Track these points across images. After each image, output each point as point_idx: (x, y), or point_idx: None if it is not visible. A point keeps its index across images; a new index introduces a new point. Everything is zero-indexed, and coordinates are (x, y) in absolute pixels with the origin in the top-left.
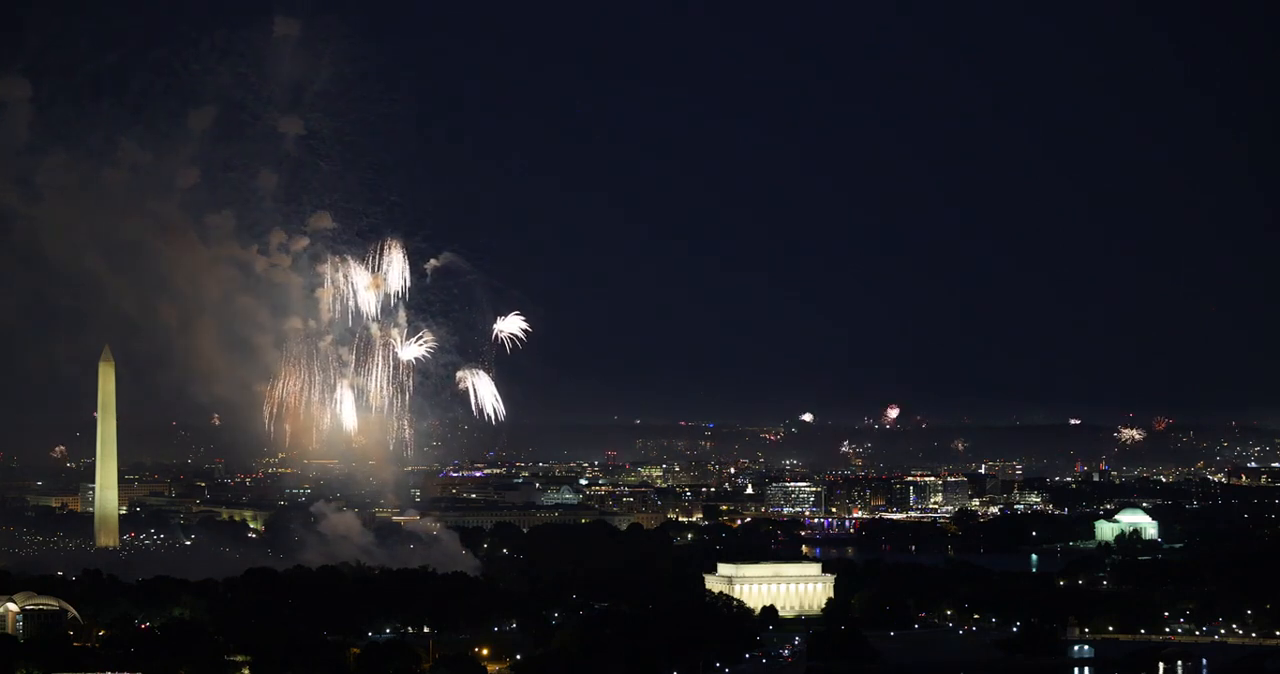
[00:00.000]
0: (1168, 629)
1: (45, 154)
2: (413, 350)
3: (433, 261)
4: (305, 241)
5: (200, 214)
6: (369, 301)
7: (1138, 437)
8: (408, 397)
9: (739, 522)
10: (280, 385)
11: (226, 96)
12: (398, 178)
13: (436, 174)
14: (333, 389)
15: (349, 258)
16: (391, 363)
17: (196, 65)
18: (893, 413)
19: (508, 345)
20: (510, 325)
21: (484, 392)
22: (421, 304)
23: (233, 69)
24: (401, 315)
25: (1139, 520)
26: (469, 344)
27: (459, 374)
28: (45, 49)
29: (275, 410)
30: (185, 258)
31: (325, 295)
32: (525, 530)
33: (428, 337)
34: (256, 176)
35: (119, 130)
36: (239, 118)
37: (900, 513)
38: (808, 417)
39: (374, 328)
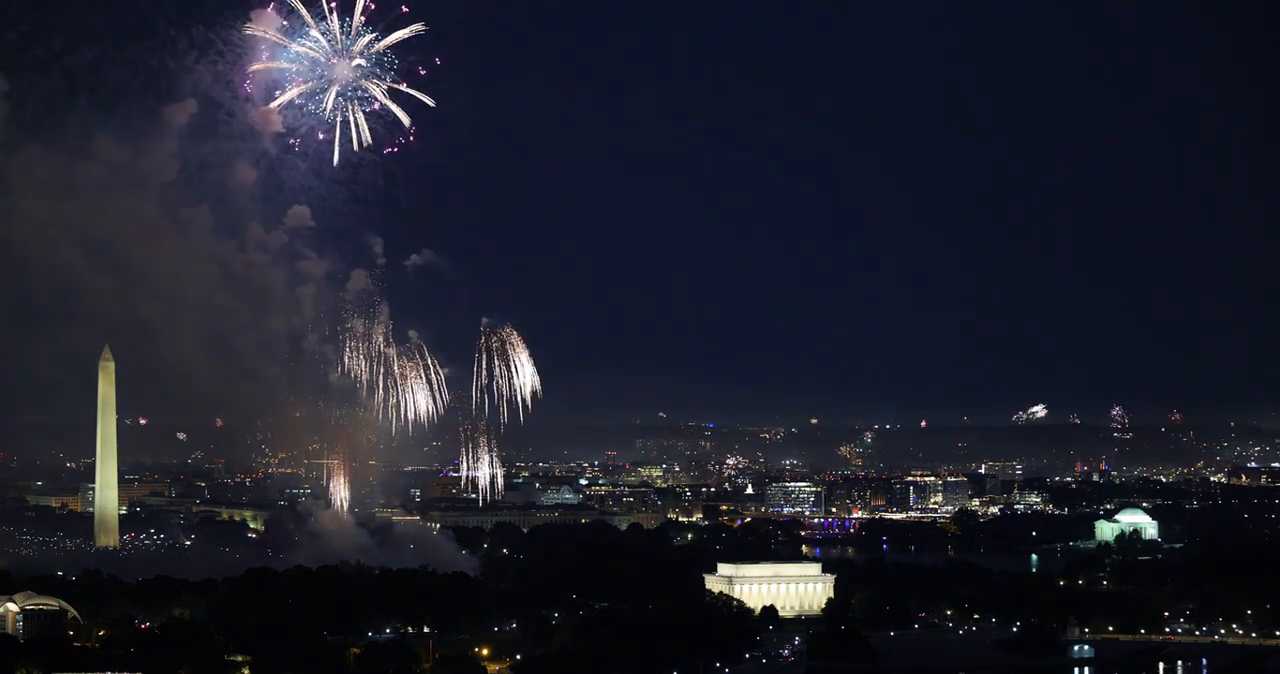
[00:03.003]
0: (1168, 629)
1: (20, 150)
2: (398, 352)
3: (414, 258)
4: (284, 238)
5: (177, 210)
6: (351, 299)
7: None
8: (395, 396)
9: (739, 522)
10: (266, 387)
11: (203, 93)
12: (377, 174)
13: (420, 172)
14: (319, 389)
15: (329, 255)
16: (380, 363)
17: (173, 62)
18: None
19: (521, 405)
20: (526, 380)
21: (483, 473)
22: (403, 303)
23: (210, 66)
24: (385, 314)
25: (1139, 520)
26: (453, 345)
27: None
28: (20, 45)
29: (263, 413)
30: (164, 255)
31: (307, 293)
32: (525, 530)
33: (412, 336)
34: (234, 173)
35: (95, 126)
36: (216, 115)
37: (900, 513)
38: (815, 420)
39: (357, 326)
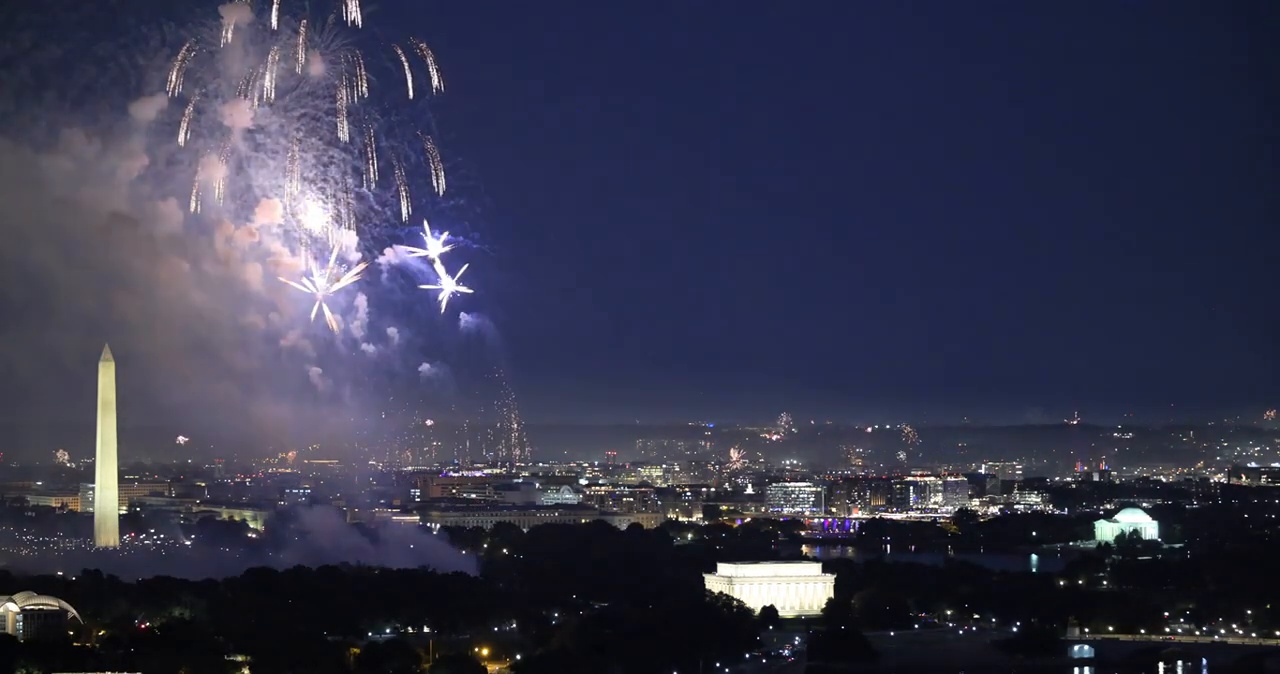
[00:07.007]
0: (1168, 629)
1: None
2: (376, 348)
3: (389, 255)
4: (256, 235)
5: (147, 207)
6: (327, 296)
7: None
8: (380, 394)
9: (739, 522)
10: (249, 386)
11: (173, 89)
12: (357, 170)
13: (409, 168)
14: (300, 386)
15: (302, 251)
16: (360, 360)
17: (143, 59)
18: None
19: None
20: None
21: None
22: (385, 301)
23: (181, 63)
24: (363, 312)
25: (1139, 520)
26: (437, 344)
27: None
28: None
29: (245, 411)
30: (135, 252)
31: (282, 291)
32: (525, 530)
33: (392, 334)
34: (204, 170)
35: (62, 122)
36: (186, 111)
37: (900, 513)
38: (814, 420)
39: (335, 324)
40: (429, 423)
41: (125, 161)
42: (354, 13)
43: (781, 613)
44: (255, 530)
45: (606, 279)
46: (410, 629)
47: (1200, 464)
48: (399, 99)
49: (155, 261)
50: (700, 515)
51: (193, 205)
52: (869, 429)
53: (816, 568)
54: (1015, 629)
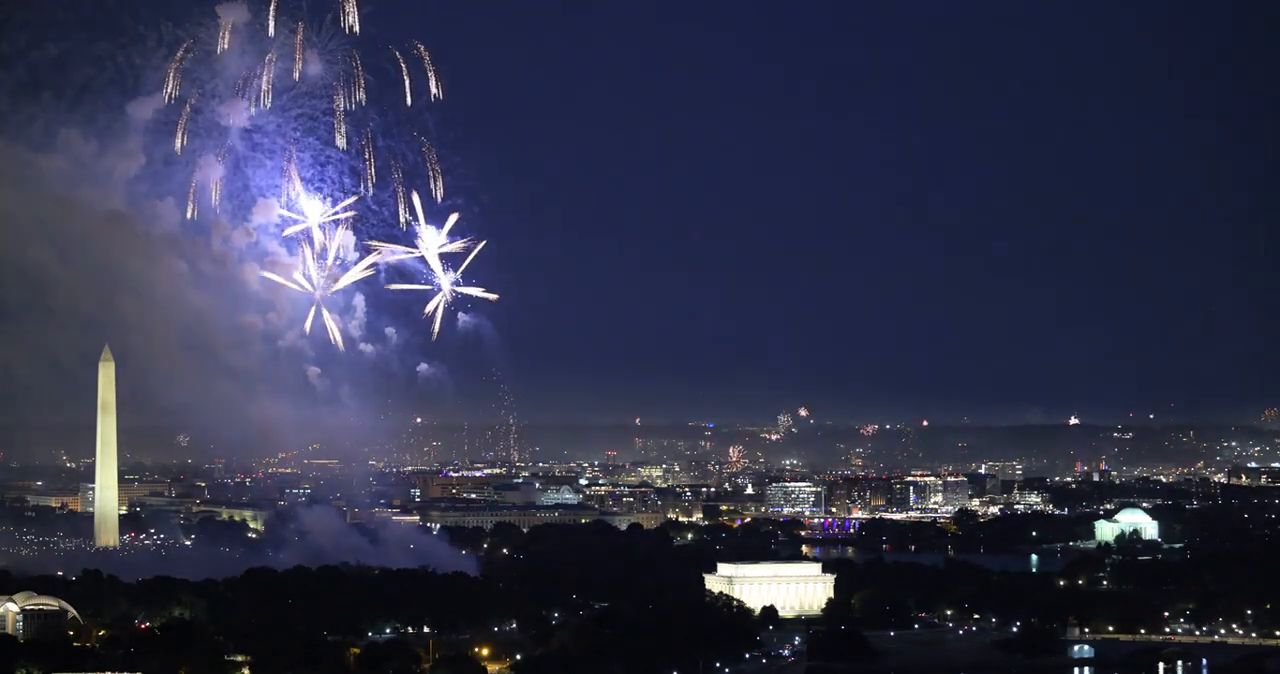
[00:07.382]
0: (1168, 629)
1: None
2: (372, 347)
3: (387, 255)
4: (253, 234)
5: (145, 207)
6: (324, 295)
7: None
8: (379, 394)
9: (739, 522)
10: (248, 386)
11: (170, 89)
12: (355, 171)
13: (407, 169)
14: (299, 386)
15: (299, 250)
16: (359, 360)
17: (140, 59)
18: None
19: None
20: None
21: None
22: (382, 301)
23: (178, 63)
24: (360, 312)
25: (1139, 520)
26: (432, 344)
27: None
28: None
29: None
30: (132, 252)
31: (279, 290)
32: (525, 530)
33: (390, 334)
34: (200, 169)
35: (59, 122)
36: (182, 111)
37: (900, 513)
38: (804, 411)
39: (332, 325)
40: (418, 420)
41: (122, 161)
42: (351, 18)
43: (781, 613)
44: (255, 530)
45: (607, 279)
46: (410, 629)
47: (1200, 464)
48: (396, 101)
49: (153, 261)
50: (700, 515)
51: (190, 205)
52: (869, 429)
53: (816, 568)
54: (1015, 629)
